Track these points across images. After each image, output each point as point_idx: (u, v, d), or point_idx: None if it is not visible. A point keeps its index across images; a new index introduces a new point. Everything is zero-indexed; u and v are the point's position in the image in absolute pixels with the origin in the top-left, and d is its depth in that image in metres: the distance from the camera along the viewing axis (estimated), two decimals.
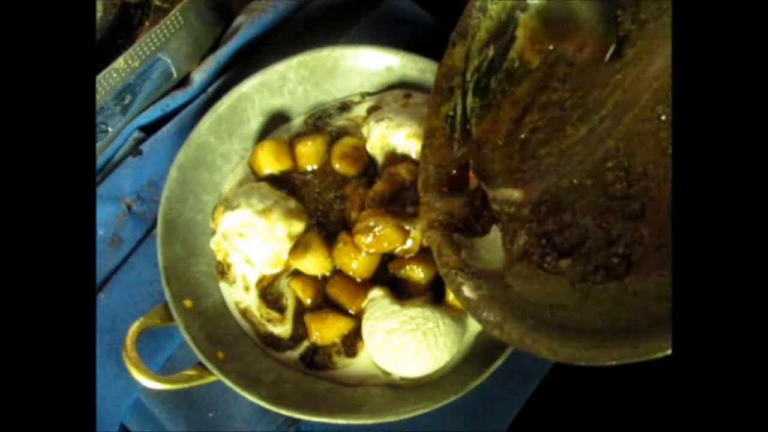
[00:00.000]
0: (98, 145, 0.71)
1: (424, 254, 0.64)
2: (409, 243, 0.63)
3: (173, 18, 0.70)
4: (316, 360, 0.65)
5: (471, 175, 0.59)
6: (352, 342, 0.65)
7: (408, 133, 0.67)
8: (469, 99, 0.60)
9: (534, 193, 0.56)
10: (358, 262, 0.64)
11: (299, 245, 0.66)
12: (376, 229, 0.62)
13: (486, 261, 0.53)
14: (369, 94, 0.72)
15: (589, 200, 0.53)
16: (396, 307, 0.62)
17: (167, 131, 0.72)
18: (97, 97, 0.67)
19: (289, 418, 0.65)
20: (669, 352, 0.39)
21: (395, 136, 0.67)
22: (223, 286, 0.67)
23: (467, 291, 0.52)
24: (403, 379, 0.63)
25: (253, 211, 0.65)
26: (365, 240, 0.63)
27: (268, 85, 0.70)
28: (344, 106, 0.72)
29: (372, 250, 0.63)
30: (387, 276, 0.65)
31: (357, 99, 0.72)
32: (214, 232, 0.68)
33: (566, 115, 0.55)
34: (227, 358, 0.63)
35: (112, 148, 0.72)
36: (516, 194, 0.55)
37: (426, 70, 0.70)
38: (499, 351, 0.60)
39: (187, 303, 0.64)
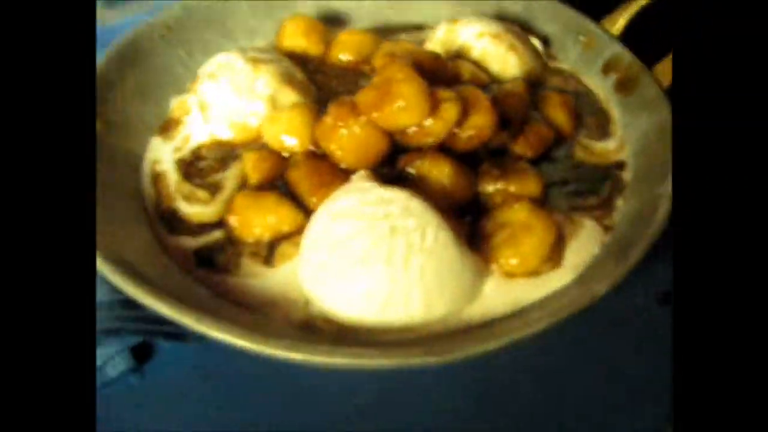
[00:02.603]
0: None
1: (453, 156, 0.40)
2: (429, 121, 0.39)
3: None
4: (216, 259, 0.38)
5: None
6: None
7: (481, 31, 0.48)
8: None
9: None
10: (349, 134, 0.40)
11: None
12: (395, 82, 0.40)
13: None
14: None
15: None
16: (369, 185, 0.36)
17: None
18: None
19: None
20: None
21: (464, 31, 0.49)
22: (155, 141, 0.46)
23: None
24: (326, 320, 0.34)
25: (241, 55, 0.46)
26: (372, 95, 0.40)
27: None
28: (416, 29, 0.55)
29: (375, 115, 0.40)
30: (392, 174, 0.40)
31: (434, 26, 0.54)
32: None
33: None
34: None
35: None
36: None
37: (531, 6, 0.53)
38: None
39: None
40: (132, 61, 0.48)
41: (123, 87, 0.46)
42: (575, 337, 0.39)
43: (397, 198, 0.35)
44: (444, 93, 0.41)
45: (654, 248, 0.38)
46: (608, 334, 0.39)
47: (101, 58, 0.46)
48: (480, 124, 0.40)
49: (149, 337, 0.36)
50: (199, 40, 0.52)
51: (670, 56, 0.45)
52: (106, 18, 0.60)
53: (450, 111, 0.40)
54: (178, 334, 0.36)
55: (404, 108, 0.39)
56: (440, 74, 0.44)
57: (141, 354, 0.38)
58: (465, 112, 0.40)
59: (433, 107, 0.40)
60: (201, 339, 0.36)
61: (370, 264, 0.33)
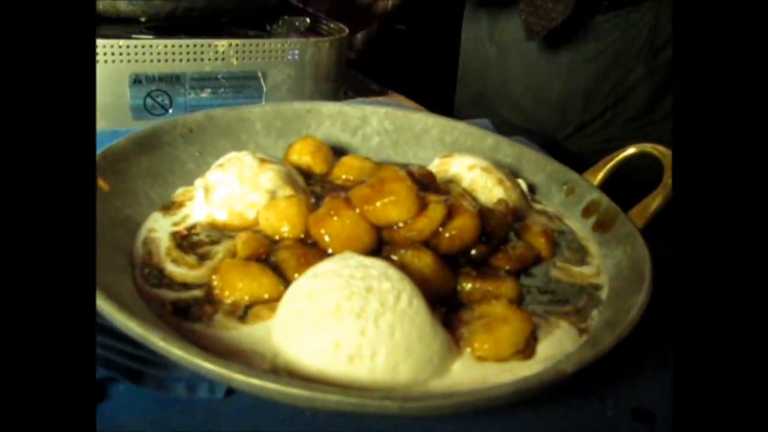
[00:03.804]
0: None
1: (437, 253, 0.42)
2: (416, 219, 0.42)
3: None
4: (192, 310, 0.38)
5: None
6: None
7: (472, 163, 0.52)
8: None
9: None
10: (340, 223, 0.42)
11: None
12: (388, 180, 0.43)
13: None
14: None
15: None
16: (351, 254, 0.38)
17: None
18: None
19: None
20: None
21: (456, 163, 0.53)
22: (155, 214, 0.48)
23: None
24: (291, 372, 0.34)
25: (251, 154, 0.50)
26: (365, 191, 0.43)
27: (345, 118, 0.61)
28: None
29: (366, 208, 0.42)
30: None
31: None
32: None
33: None
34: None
35: None
36: None
37: (522, 158, 0.58)
38: None
39: (103, 184, 0.45)
40: (150, 146, 0.52)
41: (137, 164, 0.50)
42: None
43: (377, 265, 0.36)
44: (432, 197, 0.44)
45: (632, 363, 0.39)
46: None
47: (124, 138, 0.50)
48: (462, 226, 0.42)
49: (107, 372, 0.35)
50: (214, 145, 0.56)
51: (643, 203, 0.49)
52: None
53: (437, 211, 0.42)
54: (137, 371, 0.34)
55: (394, 203, 0.42)
56: (431, 185, 0.48)
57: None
58: (450, 215, 0.43)
59: (422, 207, 0.43)
60: (158, 380, 0.35)
61: (341, 315, 0.33)
